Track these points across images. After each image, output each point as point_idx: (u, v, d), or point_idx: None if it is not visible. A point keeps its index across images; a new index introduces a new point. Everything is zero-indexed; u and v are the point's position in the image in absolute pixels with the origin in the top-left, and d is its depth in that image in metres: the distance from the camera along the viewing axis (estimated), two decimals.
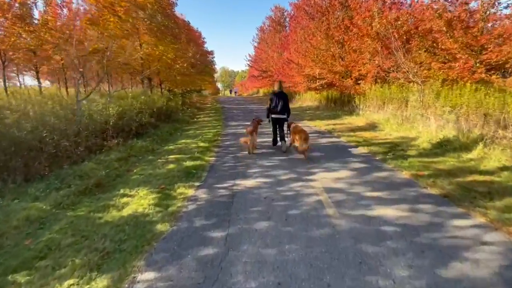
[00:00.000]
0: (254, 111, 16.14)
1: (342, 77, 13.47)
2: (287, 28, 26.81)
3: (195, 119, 12.85)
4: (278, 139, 6.53)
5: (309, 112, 14.99)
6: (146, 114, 9.17)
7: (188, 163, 5.39)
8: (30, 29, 8.33)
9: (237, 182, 4.44)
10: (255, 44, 31.59)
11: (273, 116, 6.37)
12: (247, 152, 6.15)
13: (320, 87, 17.28)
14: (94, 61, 8.21)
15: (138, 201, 3.71)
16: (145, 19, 9.75)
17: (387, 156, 5.60)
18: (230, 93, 69.43)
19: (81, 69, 7.80)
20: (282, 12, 27.51)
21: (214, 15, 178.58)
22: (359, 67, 12.36)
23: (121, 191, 4.09)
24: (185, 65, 12.71)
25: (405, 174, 4.60)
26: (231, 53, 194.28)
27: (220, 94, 72.22)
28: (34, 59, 10.26)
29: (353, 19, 11.92)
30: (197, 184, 4.40)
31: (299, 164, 5.34)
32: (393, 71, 10.26)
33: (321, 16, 14.37)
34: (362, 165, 5.23)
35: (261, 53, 28.71)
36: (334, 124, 10.34)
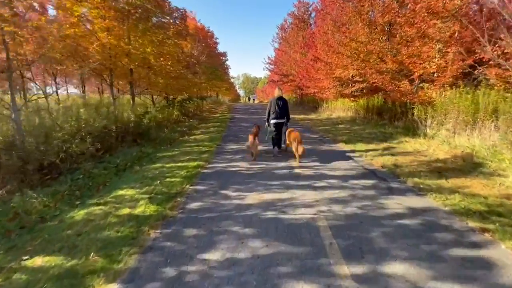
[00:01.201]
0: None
1: (394, 79, 9.33)
2: (312, 26, 23.00)
3: (185, 137, 9.44)
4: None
5: (343, 128, 10.94)
6: (87, 137, 5.80)
7: None
8: None
9: None
10: (275, 45, 28.06)
11: (272, 121, 6.39)
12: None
13: (358, 93, 13.15)
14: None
15: None
16: None
17: None
18: (249, 100, 67.05)
19: None
20: (306, 8, 23.74)
21: (237, 21, 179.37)
22: (423, 62, 8.20)
23: None
24: (169, 63, 9.38)
25: None
26: (254, 59, 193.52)
27: (242, 101, 69.54)
28: None
29: None
30: None
31: None
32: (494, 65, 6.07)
33: None
34: None
35: (282, 55, 25.06)
36: (391, 153, 6.30)
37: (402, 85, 8.87)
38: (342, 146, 7.48)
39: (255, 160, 5.88)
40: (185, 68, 10.76)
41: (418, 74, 8.34)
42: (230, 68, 34.69)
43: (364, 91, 11.44)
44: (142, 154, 6.80)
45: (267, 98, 59.46)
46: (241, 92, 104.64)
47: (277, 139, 6.51)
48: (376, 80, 9.54)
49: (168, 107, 13.72)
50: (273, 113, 6.32)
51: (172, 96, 13.26)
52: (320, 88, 16.38)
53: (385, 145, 7.30)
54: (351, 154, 6.51)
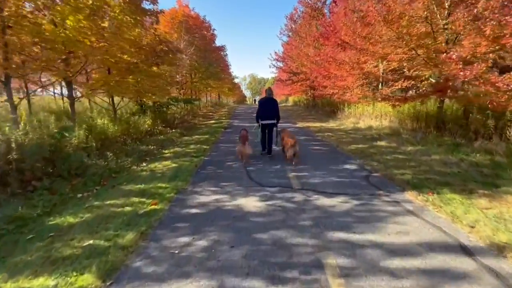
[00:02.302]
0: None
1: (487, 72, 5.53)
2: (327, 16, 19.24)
3: (141, 166, 5.91)
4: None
5: (387, 148, 7.18)
6: None
7: None
8: None
9: None
10: (283, 39, 24.41)
11: (262, 122, 6.26)
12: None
13: (402, 95, 9.42)
14: None
15: None
16: None
17: None
18: (254, 102, 63.68)
19: None
20: None
21: (244, 21, 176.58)
22: None
23: None
24: (123, 56, 5.81)
25: None
26: (261, 60, 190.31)
27: (248, 102, 66.10)
28: None
29: None
30: None
31: None
32: None
33: None
34: None
35: (291, 50, 21.37)
36: None
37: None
38: (417, 202, 3.76)
39: (247, 163, 5.75)
40: (149, 56, 7.21)
41: None
42: (230, 65, 31.07)
43: (424, 92, 7.62)
44: (25, 216, 3.27)
45: None
46: (248, 93, 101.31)
47: (268, 141, 6.45)
48: (453, 72, 5.73)
49: (140, 113, 10.25)
50: (263, 114, 6.27)
51: (143, 99, 9.72)
52: (341, 88, 12.64)
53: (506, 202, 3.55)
54: (468, 245, 2.78)
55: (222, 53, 21.30)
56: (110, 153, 6.14)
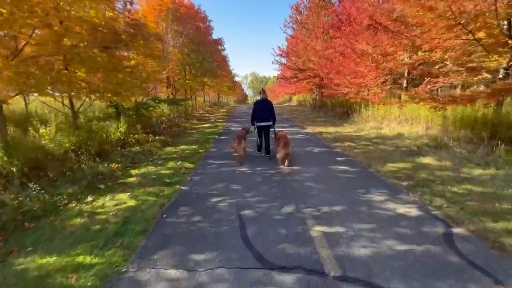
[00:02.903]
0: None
1: None
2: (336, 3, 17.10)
3: (88, 200, 3.92)
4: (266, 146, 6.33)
5: (438, 170, 5.09)
6: None
7: None
8: None
9: None
10: (288, 32, 22.35)
11: (258, 124, 6.20)
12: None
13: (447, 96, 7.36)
14: None
15: None
16: None
17: None
18: None
19: None
20: None
21: (244, 17, 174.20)
22: None
23: None
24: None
25: None
26: (263, 58, 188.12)
27: (250, 102, 64.03)
28: None
29: None
30: None
31: None
32: None
33: None
34: None
35: (297, 44, 19.23)
36: None
37: None
38: None
39: (241, 164, 5.65)
40: (106, 41, 5.14)
41: None
42: (229, 61, 28.80)
43: (487, 88, 5.50)
44: None
45: (277, 98, 53.64)
46: (249, 92, 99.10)
47: (265, 143, 6.35)
48: None
49: (113, 118, 8.25)
50: (259, 116, 6.15)
51: (114, 99, 7.64)
52: (358, 86, 10.55)
53: None
54: None
55: (219, 47, 19.18)
56: (46, 179, 4.13)
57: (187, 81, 13.64)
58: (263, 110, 6.16)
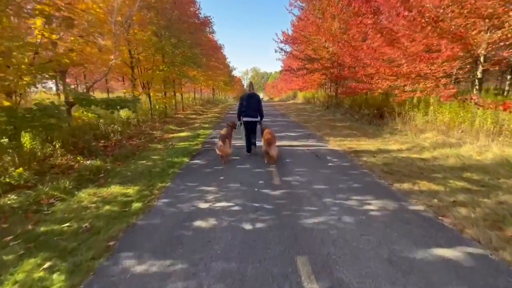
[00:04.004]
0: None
1: None
2: None
3: None
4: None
5: None
6: None
7: None
8: None
9: None
10: (295, 12, 18.51)
11: (244, 119, 5.85)
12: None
13: None
14: None
15: None
16: None
17: None
18: None
19: None
20: None
21: (245, 14, 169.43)
22: None
23: None
24: None
25: None
26: (264, 54, 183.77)
27: None
28: None
29: None
30: None
31: None
32: None
33: None
34: None
35: (306, 27, 15.31)
36: None
37: None
38: None
39: (226, 162, 5.33)
40: None
41: None
42: (223, 48, 24.36)
43: None
44: None
45: (279, 94, 49.73)
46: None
47: (252, 140, 6.05)
48: None
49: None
50: (246, 110, 5.78)
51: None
52: (417, 74, 6.77)
53: None
54: None
55: (207, 29, 15.17)
56: None
57: (159, 72, 9.89)
58: (250, 105, 5.75)
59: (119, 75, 10.61)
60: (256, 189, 4.00)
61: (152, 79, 10.14)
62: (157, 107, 12.88)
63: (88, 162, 5.61)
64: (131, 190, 4.10)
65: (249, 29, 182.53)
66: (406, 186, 4.07)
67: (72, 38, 5.22)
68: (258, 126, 5.99)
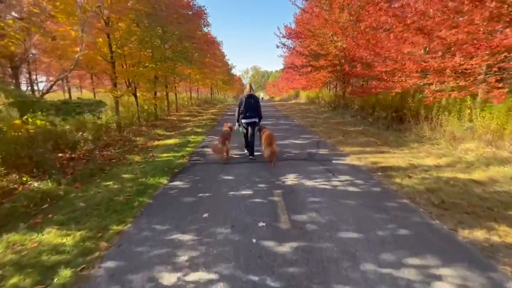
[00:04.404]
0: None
1: None
2: None
3: None
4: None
5: None
6: None
7: None
8: None
9: None
10: (298, 4, 17.10)
11: (243, 120, 5.72)
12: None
13: None
14: None
15: None
16: None
17: None
18: (261, 100, 56.48)
19: None
20: None
21: (245, 14, 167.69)
22: None
23: None
24: None
25: None
26: (265, 53, 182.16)
27: None
28: None
29: None
30: None
31: None
32: None
33: None
34: None
35: (311, 20, 13.90)
36: None
37: None
38: None
39: (226, 163, 5.26)
40: None
41: None
42: (222, 45, 22.79)
43: None
44: None
45: (280, 93, 48.30)
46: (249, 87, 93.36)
47: (251, 142, 5.81)
48: None
49: None
50: (247, 111, 5.63)
51: None
52: (452, 70, 5.40)
53: None
54: None
55: (200, 20, 13.70)
56: None
57: (143, 68, 8.52)
58: (250, 106, 5.60)
59: (98, 72, 9.23)
60: (254, 241, 2.66)
61: (135, 76, 8.76)
62: (145, 108, 11.54)
63: (36, 184, 4.30)
64: (70, 239, 2.77)
65: (250, 29, 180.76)
66: (479, 234, 2.72)
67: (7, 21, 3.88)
68: (257, 127, 5.85)
